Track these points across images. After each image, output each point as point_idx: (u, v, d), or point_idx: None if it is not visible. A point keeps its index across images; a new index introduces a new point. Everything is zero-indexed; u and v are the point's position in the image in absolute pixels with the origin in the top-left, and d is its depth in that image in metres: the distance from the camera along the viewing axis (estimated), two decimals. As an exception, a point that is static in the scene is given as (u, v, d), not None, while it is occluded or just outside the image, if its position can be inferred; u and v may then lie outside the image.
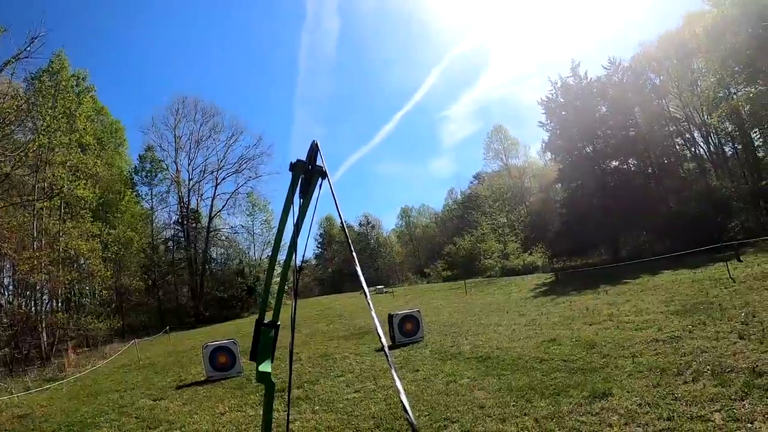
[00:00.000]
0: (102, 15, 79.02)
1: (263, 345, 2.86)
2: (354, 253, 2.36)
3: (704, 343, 7.74)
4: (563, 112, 37.88)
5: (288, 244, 2.90)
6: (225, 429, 7.45)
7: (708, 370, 6.39)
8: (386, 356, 1.74)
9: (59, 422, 9.44)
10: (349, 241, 2.44)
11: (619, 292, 17.26)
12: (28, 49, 15.68)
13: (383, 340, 1.90)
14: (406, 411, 1.50)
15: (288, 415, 3.38)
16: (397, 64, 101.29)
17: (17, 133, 22.27)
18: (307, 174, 2.79)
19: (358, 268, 2.18)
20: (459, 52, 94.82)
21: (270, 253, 47.38)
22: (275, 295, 3.09)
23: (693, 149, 38.14)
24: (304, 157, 2.83)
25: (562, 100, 37.98)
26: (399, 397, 1.55)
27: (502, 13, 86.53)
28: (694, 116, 36.34)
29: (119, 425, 8.62)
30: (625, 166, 37.12)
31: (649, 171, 36.33)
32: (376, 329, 1.82)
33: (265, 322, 2.89)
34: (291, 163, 2.82)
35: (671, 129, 37.41)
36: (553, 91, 38.30)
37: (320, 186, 2.82)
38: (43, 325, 24.78)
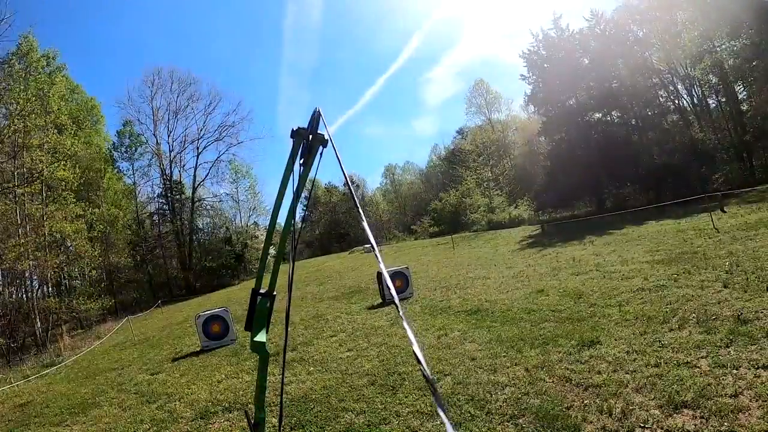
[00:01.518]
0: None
1: (258, 314, 2.85)
2: (361, 211, 2.48)
3: (689, 292, 7.87)
4: (545, 65, 37.70)
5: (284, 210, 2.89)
6: (223, 396, 7.52)
7: (693, 318, 6.51)
8: (398, 309, 1.76)
9: (60, 406, 9.43)
10: (357, 204, 2.49)
11: (604, 243, 17.44)
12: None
13: (393, 292, 1.94)
14: (419, 362, 1.52)
15: (282, 378, 3.40)
16: (380, 30, 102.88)
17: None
18: (308, 141, 2.78)
19: (366, 225, 2.29)
20: (440, 16, 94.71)
21: (256, 220, 47.56)
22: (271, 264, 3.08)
23: (676, 101, 38.06)
24: (304, 124, 2.81)
25: (544, 53, 37.77)
26: (413, 349, 1.56)
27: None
28: (677, 68, 36.19)
29: (119, 402, 8.66)
30: (608, 118, 37.12)
31: (633, 123, 36.34)
32: (385, 282, 1.83)
33: (261, 291, 2.88)
34: (292, 129, 2.79)
35: (655, 81, 37.28)
36: (535, 44, 38.06)
37: (321, 154, 2.83)
38: (36, 311, 24.69)
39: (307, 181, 2.89)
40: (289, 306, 2.98)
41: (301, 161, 2.83)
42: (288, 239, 2.94)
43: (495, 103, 63.03)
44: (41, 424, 8.44)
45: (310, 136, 2.77)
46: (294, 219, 2.89)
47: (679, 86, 37.64)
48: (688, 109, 37.54)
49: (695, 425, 3.88)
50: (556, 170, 36.64)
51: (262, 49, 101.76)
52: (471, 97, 63.78)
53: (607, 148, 32.59)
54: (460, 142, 63.57)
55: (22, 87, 24.44)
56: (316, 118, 2.76)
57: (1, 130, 20.32)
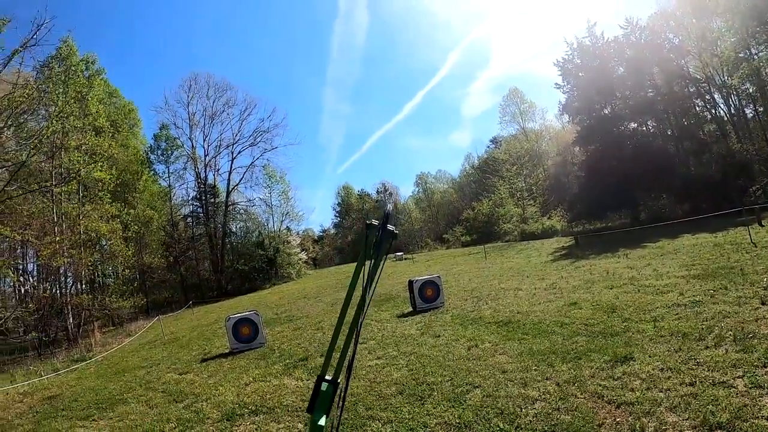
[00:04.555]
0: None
1: (321, 399, 2.92)
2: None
3: (726, 308, 7.63)
4: (580, 74, 37.34)
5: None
6: (249, 399, 7.57)
7: (730, 335, 6.29)
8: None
9: (88, 401, 9.61)
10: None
11: (639, 256, 17.06)
12: (35, 36, 15.68)
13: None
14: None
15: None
16: (420, 49, 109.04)
17: (30, 121, 22.43)
18: (380, 235, 2.97)
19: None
20: (478, 34, 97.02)
21: (288, 225, 48.17)
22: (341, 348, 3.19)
23: (713, 111, 37.19)
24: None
25: (578, 61, 37.42)
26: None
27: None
28: (714, 77, 35.37)
29: (146, 400, 8.80)
30: (644, 128, 36.54)
31: (669, 133, 35.64)
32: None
33: (327, 377, 2.97)
34: (366, 222, 3.04)
35: (691, 90, 36.52)
36: (570, 53, 37.67)
37: (390, 246, 3.07)
38: (69, 307, 25.28)
39: (379, 270, 3.10)
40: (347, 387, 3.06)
41: (373, 251, 2.98)
42: (359, 320, 3.05)
43: (529, 112, 62.24)
44: (68, 418, 8.61)
45: (382, 230, 2.96)
46: (366, 305, 3.03)
47: (716, 95, 36.79)
48: (725, 118, 36.62)
49: (731, 448, 3.75)
50: (590, 181, 36.21)
51: (305, 62, 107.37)
52: (505, 105, 62.99)
53: (642, 159, 32.02)
54: (494, 152, 63.04)
55: (61, 90, 25.14)
56: (387, 214, 2.94)
57: (40, 131, 20.89)
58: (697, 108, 37.29)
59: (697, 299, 8.62)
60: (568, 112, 40.10)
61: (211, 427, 6.61)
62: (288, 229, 55.09)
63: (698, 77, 35.99)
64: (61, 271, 26.57)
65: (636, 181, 32.49)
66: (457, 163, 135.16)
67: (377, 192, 76.27)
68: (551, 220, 42.11)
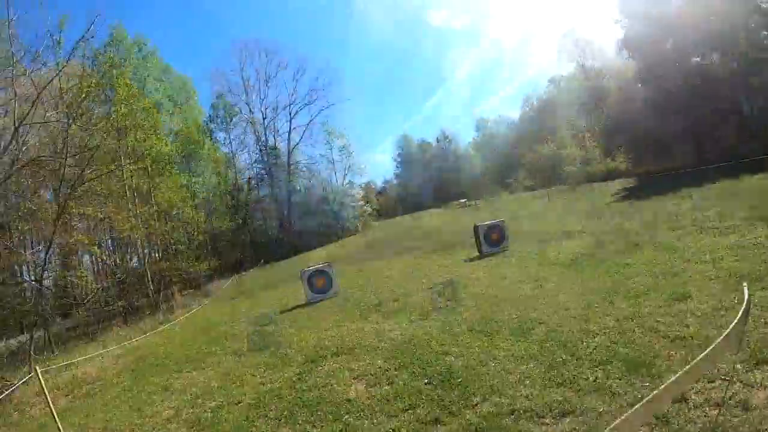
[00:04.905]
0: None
1: None
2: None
3: (787, 251, 7.53)
4: (640, 6, 35.45)
5: None
6: (329, 342, 8.26)
7: (788, 277, 6.31)
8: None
9: (179, 357, 10.39)
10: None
11: (703, 197, 16.43)
12: (91, 29, 16.41)
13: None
14: None
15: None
16: None
17: (95, 107, 23.65)
18: None
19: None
20: None
21: (351, 179, 48.93)
22: None
23: (784, 43, 34.63)
24: None
25: (638, -8, 35.45)
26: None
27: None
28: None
29: (234, 351, 9.53)
30: (708, 62, 34.58)
31: (735, 66, 33.62)
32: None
33: None
34: None
35: (759, 21, 34.13)
36: (630, -16, 35.76)
37: None
38: (149, 274, 27.03)
39: None
40: None
41: None
42: None
43: (587, 48, 59.07)
44: (163, 373, 9.34)
45: None
46: None
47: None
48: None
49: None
50: (652, 119, 34.69)
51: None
52: (562, 44, 59.87)
53: (706, 96, 30.41)
54: (552, 92, 60.79)
55: (120, 73, 26.36)
56: None
57: (107, 116, 22.31)
58: (767, 41, 34.86)
59: (759, 241, 8.44)
60: (628, 47, 38.10)
61: (297, 369, 7.22)
62: (350, 182, 55.92)
63: (763, 6, 33.54)
64: (138, 243, 28.33)
65: (700, 118, 31.02)
66: (515, 104, 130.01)
67: (437, 140, 75.72)
68: (614, 162, 40.94)
